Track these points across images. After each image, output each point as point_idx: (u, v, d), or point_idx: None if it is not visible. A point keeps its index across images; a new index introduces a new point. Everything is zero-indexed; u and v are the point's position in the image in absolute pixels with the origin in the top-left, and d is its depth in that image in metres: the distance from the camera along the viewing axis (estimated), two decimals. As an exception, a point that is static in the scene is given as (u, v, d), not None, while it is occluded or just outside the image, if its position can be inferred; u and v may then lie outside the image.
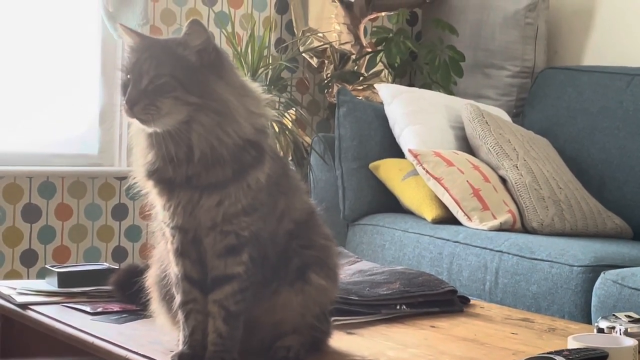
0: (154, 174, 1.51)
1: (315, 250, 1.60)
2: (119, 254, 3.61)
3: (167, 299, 1.60)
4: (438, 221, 3.01)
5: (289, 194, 1.59)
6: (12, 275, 3.37)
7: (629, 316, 1.79)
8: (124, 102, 1.46)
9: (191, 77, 1.46)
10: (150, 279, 1.66)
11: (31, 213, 3.44)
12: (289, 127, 3.48)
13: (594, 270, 2.52)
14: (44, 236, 3.47)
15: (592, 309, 2.46)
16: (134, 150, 1.56)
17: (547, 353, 1.55)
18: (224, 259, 1.51)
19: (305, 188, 1.68)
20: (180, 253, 1.54)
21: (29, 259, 3.42)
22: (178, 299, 1.55)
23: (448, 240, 2.89)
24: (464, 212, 2.97)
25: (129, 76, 1.46)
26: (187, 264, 1.53)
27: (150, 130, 1.48)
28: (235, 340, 1.51)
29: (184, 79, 1.45)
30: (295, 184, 1.63)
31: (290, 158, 3.49)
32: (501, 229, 2.92)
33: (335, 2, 3.92)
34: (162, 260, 1.61)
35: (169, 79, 1.45)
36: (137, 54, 1.48)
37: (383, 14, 4.07)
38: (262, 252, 1.55)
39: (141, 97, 1.45)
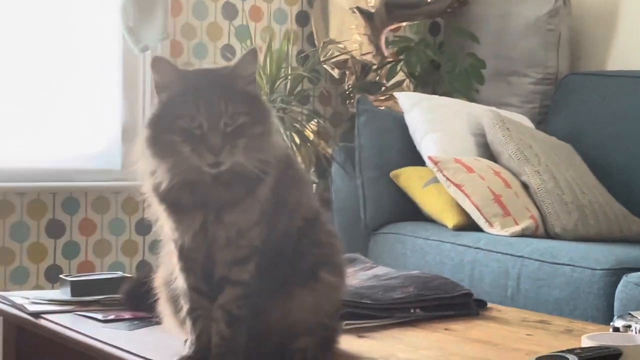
0: (164, 198, 1.48)
1: (322, 248, 1.59)
2: (144, 268, 3.61)
3: (174, 300, 1.60)
4: (459, 228, 2.99)
5: (297, 186, 1.57)
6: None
7: (645, 315, 1.76)
8: (205, 151, 1.40)
9: (254, 108, 1.45)
10: (159, 280, 1.66)
11: (55, 228, 3.46)
12: (311, 138, 3.48)
13: (616, 274, 2.49)
14: (68, 251, 3.48)
15: (615, 312, 2.42)
16: (140, 164, 1.51)
17: (560, 352, 1.53)
18: (229, 267, 1.50)
19: (311, 182, 1.67)
20: (187, 269, 1.53)
21: (53, 274, 3.43)
22: (186, 307, 1.54)
23: (469, 247, 2.86)
24: (485, 219, 2.94)
25: (200, 122, 1.40)
26: (193, 278, 1.53)
27: (213, 171, 1.43)
28: (238, 343, 1.50)
29: (251, 112, 1.44)
30: (302, 176, 1.62)
31: (312, 170, 3.49)
32: (523, 234, 2.89)
33: (355, 13, 3.91)
34: (170, 262, 1.60)
35: (245, 116, 1.42)
36: (195, 92, 1.42)
37: (404, 24, 4.06)
38: (274, 255, 1.53)
39: (225, 142, 1.41)
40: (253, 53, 1.47)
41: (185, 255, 1.52)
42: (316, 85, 3.94)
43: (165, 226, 1.54)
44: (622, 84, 3.43)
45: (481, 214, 2.95)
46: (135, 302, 1.93)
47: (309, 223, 1.58)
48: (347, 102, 3.92)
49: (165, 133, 1.43)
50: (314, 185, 3.51)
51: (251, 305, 1.51)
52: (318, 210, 1.62)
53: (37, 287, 3.40)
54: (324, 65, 3.88)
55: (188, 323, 1.55)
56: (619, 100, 3.40)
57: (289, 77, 3.52)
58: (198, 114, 1.41)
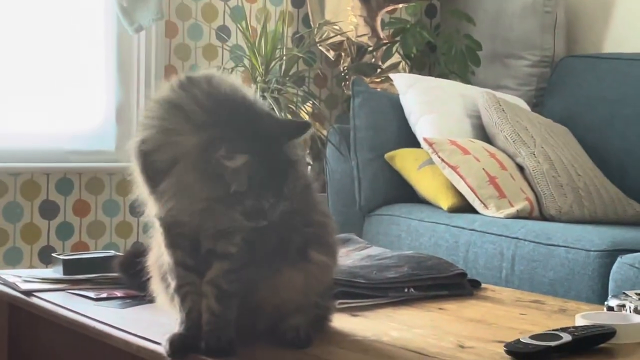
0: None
1: (313, 228, 1.57)
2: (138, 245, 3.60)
3: (166, 278, 1.58)
4: (454, 210, 2.98)
5: None
6: (31, 271, 3.38)
7: (639, 294, 1.75)
8: (260, 220, 1.41)
9: (298, 172, 1.48)
10: (152, 258, 1.64)
11: (49, 209, 3.45)
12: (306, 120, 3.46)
13: (611, 255, 2.48)
14: (62, 232, 3.47)
15: (609, 293, 2.42)
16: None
17: (554, 330, 1.52)
18: (215, 239, 1.49)
19: (302, 154, 1.64)
20: (173, 244, 1.51)
21: (47, 255, 3.42)
22: (173, 284, 1.53)
23: (464, 228, 2.85)
24: (480, 200, 2.93)
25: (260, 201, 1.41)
26: (179, 253, 1.51)
27: None
28: (229, 319, 1.48)
29: (295, 177, 1.46)
30: None
31: (307, 152, 3.48)
32: (518, 216, 2.88)
33: (351, -7, 3.90)
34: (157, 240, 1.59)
35: (292, 183, 1.44)
36: (259, 181, 1.40)
37: (400, 5, 4.05)
38: (263, 228, 1.51)
39: (274, 207, 1.42)
40: (308, 129, 1.47)
41: (171, 231, 1.51)
42: (311, 67, 3.92)
43: (149, 204, 1.51)
44: (618, 66, 3.42)
45: (476, 195, 2.94)
46: (130, 274, 1.91)
47: (300, 198, 1.56)
48: (343, 83, 3.90)
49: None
50: (309, 167, 3.49)
51: (241, 281, 1.50)
52: (308, 180, 1.61)
53: (31, 267, 3.39)
54: (320, 47, 3.86)
55: (177, 300, 1.53)
56: (615, 83, 3.39)
57: (284, 57, 3.50)
58: (262, 199, 1.41)
